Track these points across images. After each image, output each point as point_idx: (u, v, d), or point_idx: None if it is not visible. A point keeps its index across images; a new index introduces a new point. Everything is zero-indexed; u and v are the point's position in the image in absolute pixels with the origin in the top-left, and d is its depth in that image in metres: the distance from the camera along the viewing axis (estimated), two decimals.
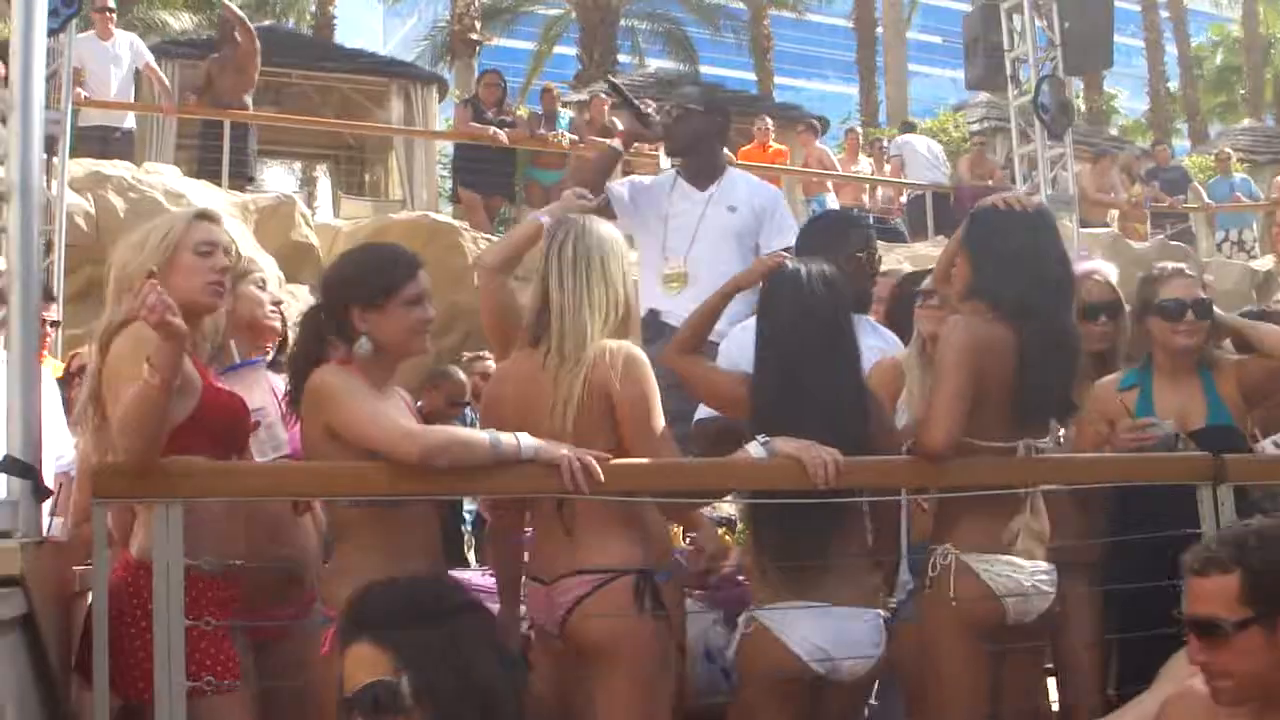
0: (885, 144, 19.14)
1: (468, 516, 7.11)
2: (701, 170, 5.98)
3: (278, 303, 4.57)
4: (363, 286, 3.76)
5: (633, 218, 5.84)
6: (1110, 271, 5.16)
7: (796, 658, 3.90)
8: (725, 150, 6.31)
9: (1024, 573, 4.05)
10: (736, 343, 4.65)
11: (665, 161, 6.27)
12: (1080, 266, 4.80)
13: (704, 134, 5.99)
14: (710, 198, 5.89)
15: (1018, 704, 4.14)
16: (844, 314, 4.23)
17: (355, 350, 3.70)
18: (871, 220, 8.13)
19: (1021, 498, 4.15)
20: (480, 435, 3.61)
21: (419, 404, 5.16)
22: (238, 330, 4.31)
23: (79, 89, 11.87)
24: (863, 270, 5.09)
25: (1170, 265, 4.97)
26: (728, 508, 4.92)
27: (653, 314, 5.73)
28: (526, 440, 3.61)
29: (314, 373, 3.66)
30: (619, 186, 5.97)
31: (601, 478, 3.59)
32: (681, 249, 5.77)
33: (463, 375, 7.83)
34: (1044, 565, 4.12)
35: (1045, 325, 4.06)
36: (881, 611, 4.06)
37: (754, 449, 3.82)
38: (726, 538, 4.75)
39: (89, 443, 3.69)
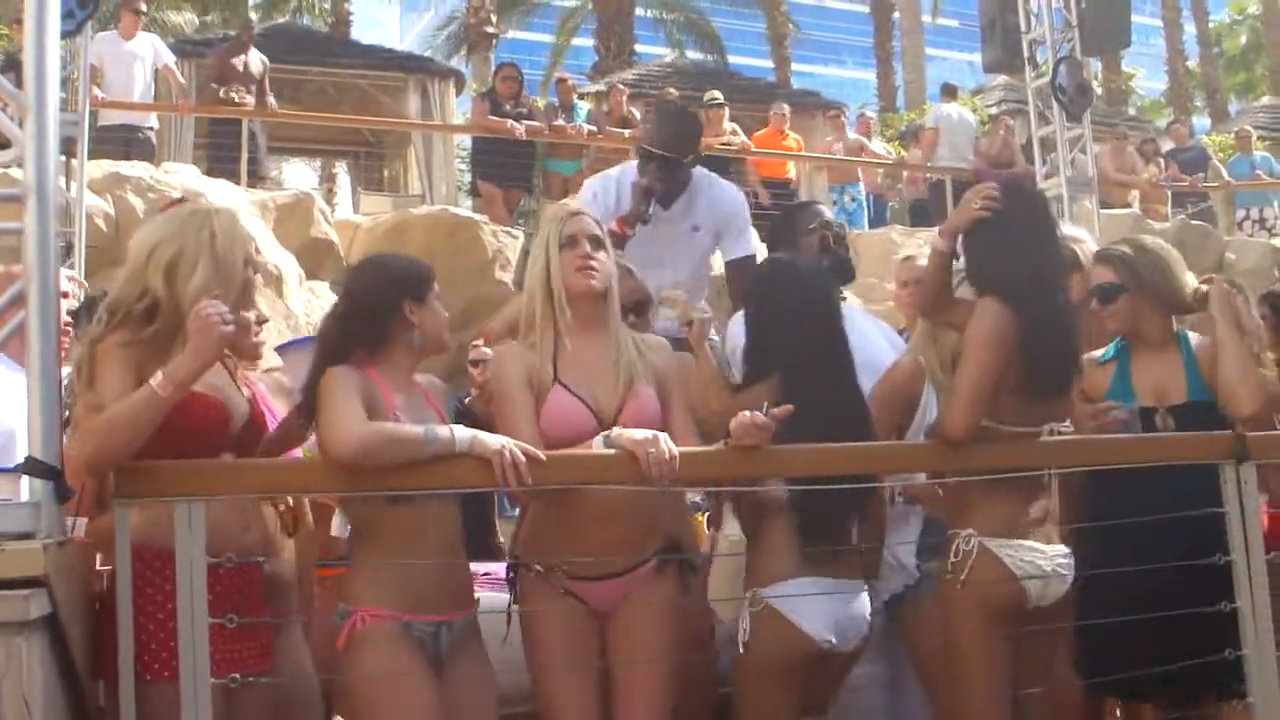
0: (918, 123, 19.03)
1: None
2: (671, 189, 5.71)
3: (263, 322, 4.58)
4: (412, 281, 3.87)
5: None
6: (1085, 237, 5.15)
7: (808, 637, 3.98)
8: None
9: (1045, 557, 4.08)
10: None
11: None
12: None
13: (687, 141, 5.76)
14: (672, 219, 5.72)
15: (1036, 685, 4.15)
16: (835, 305, 4.34)
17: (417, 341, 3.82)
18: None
19: (1043, 481, 4.17)
20: (414, 431, 3.56)
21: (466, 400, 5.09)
22: None
23: (96, 89, 11.91)
24: (826, 242, 5.19)
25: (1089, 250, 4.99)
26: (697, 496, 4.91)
27: None
28: (461, 433, 3.61)
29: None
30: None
31: (529, 476, 3.57)
32: (647, 270, 5.33)
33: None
34: (1063, 549, 4.15)
35: (1040, 306, 4.05)
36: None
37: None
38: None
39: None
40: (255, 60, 14.17)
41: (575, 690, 3.83)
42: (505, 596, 4.50)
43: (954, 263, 4.27)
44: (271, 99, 14.40)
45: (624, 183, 5.71)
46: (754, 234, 5.96)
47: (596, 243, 4.05)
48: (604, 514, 3.83)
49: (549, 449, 3.73)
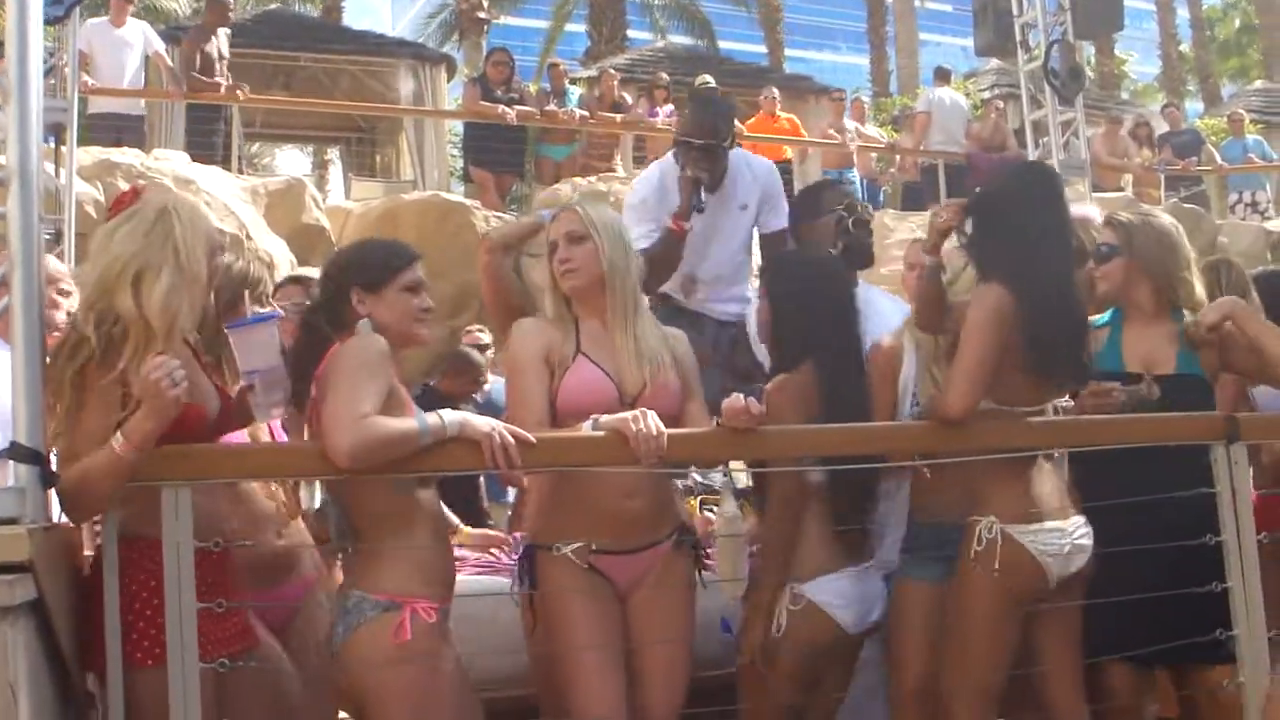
0: (911, 108, 19.03)
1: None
2: (715, 175, 5.67)
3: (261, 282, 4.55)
4: (362, 269, 3.81)
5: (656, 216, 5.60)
6: (1095, 214, 5.14)
7: (840, 626, 4.11)
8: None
9: (1065, 535, 4.09)
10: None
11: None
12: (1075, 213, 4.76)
13: (725, 160, 5.73)
14: (722, 201, 5.71)
15: (1061, 659, 4.19)
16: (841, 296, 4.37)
17: (358, 330, 3.71)
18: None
19: (1054, 459, 4.22)
20: (408, 426, 3.53)
21: (433, 382, 5.09)
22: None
23: (86, 76, 11.88)
24: (846, 226, 5.21)
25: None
26: (744, 478, 4.91)
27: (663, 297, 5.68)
28: (451, 417, 3.60)
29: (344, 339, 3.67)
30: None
31: (518, 458, 3.58)
32: (698, 255, 5.63)
33: (478, 356, 7.88)
34: (1080, 519, 4.15)
35: (1044, 286, 4.04)
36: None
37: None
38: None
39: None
40: (223, 39, 14.07)
41: (604, 669, 3.83)
42: (500, 580, 4.50)
43: (942, 275, 4.30)
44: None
45: (668, 177, 5.69)
46: (785, 205, 5.95)
47: (572, 238, 4.09)
48: (624, 490, 3.87)
49: (570, 420, 3.81)
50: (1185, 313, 4.67)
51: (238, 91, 13.70)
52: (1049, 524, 4.07)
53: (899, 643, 4.33)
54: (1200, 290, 4.72)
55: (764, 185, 5.89)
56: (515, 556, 4.41)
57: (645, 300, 4.24)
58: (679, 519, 4.12)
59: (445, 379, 7.67)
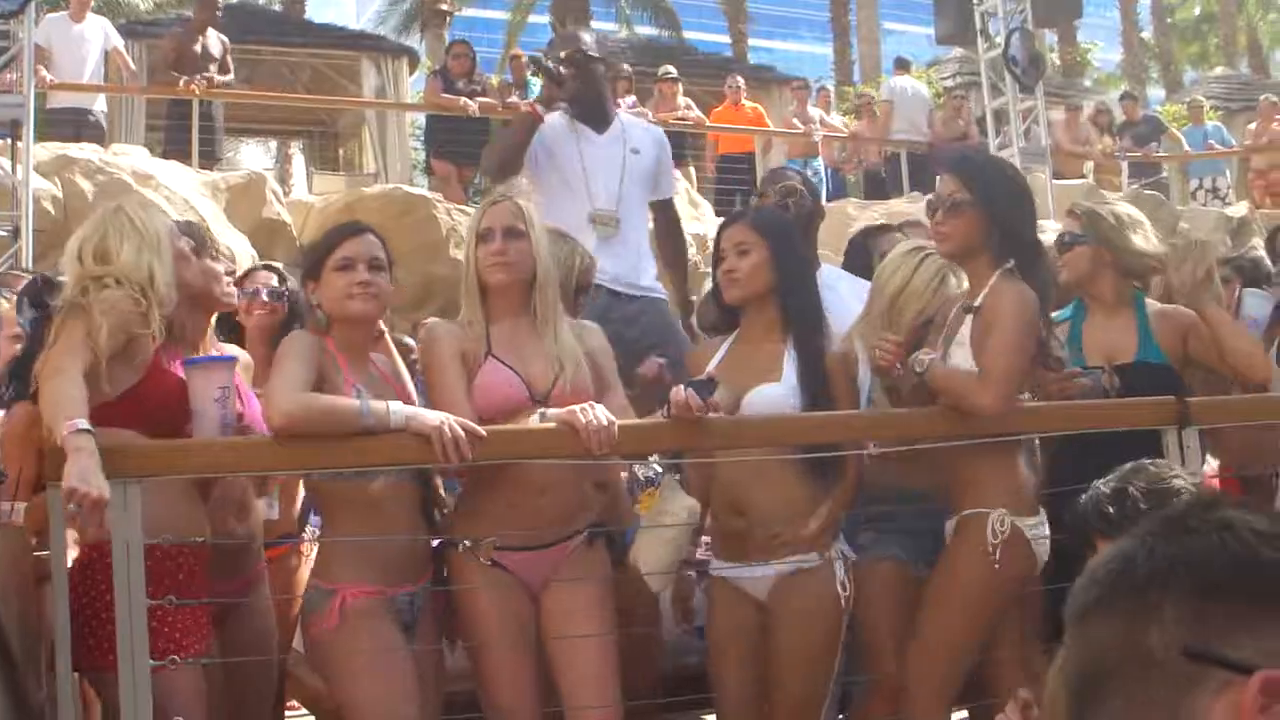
0: (866, 95, 19.06)
1: None
2: (600, 115, 5.91)
3: (231, 272, 4.54)
4: (307, 261, 3.90)
5: (544, 169, 5.77)
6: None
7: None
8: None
9: (1046, 525, 4.11)
10: None
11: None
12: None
13: (602, 78, 6.01)
14: (616, 141, 5.86)
15: (1016, 647, 4.20)
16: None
17: (315, 324, 3.75)
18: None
19: (1021, 449, 4.22)
20: (348, 403, 3.56)
21: None
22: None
23: (43, 70, 11.79)
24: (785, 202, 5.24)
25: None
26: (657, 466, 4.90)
27: None
28: (398, 408, 3.60)
29: None
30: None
31: (469, 452, 3.57)
32: (610, 193, 5.72)
33: (411, 340, 7.83)
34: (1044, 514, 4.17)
35: (1047, 283, 4.11)
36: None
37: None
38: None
39: None
40: (215, 41, 14.00)
41: (511, 662, 3.83)
42: None
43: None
44: (230, 78, 14.22)
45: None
46: (673, 177, 6.28)
47: (510, 233, 4.00)
48: (534, 487, 3.84)
49: (481, 422, 3.74)
50: (1148, 301, 4.72)
51: (193, 87, 13.58)
52: (1039, 516, 4.11)
53: (874, 627, 4.27)
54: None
55: (658, 140, 6.12)
56: None
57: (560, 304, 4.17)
58: (594, 514, 4.08)
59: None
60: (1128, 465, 3.19)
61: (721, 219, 5.84)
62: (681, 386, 3.80)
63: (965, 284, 4.27)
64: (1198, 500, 1.36)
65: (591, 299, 5.00)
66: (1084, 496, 3.17)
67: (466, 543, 3.88)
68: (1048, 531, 4.09)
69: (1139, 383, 4.54)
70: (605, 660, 3.90)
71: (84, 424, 3.19)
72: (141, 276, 3.59)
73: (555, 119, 5.78)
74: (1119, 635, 1.15)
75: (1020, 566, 4.05)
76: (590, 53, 5.93)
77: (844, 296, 4.90)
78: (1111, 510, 3.03)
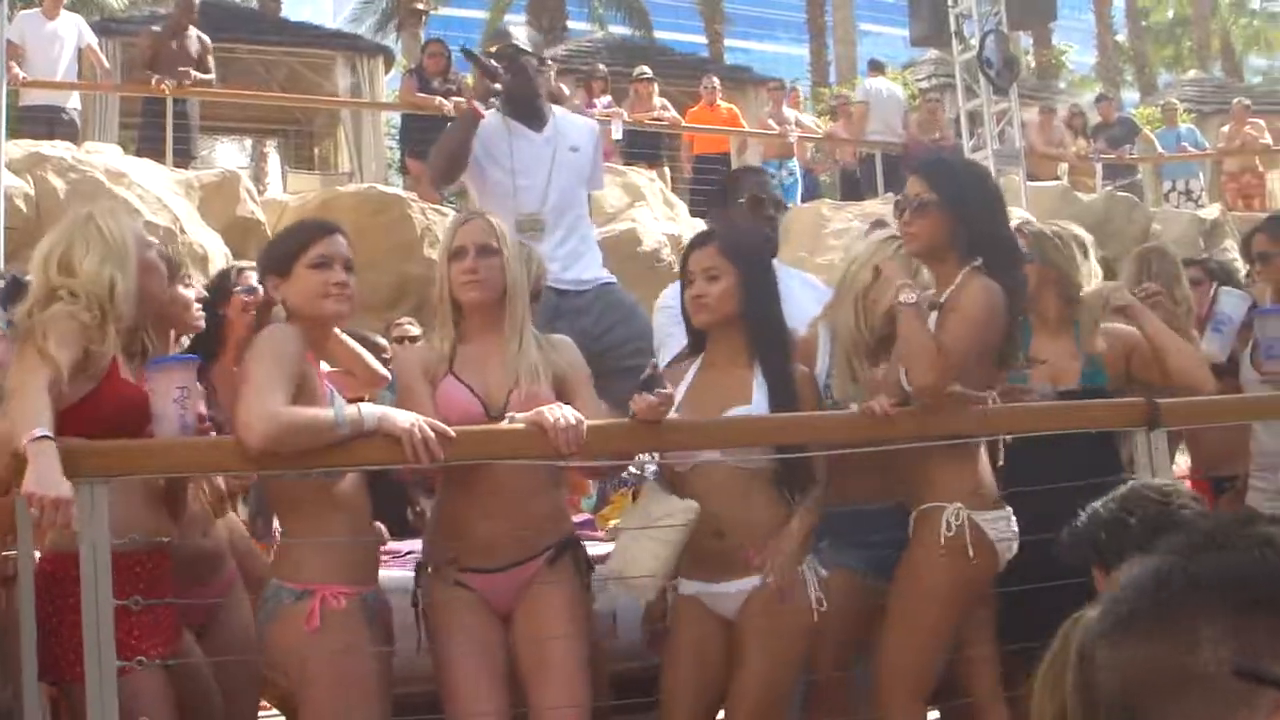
0: (846, 96, 19.09)
1: None
2: (533, 111, 5.83)
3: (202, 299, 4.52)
4: (273, 255, 3.84)
5: (480, 169, 5.67)
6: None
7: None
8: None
9: (1011, 521, 4.14)
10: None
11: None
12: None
13: (535, 73, 5.90)
14: (550, 139, 5.78)
15: (983, 647, 4.23)
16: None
17: (272, 320, 3.72)
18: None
19: (980, 447, 4.25)
20: (323, 415, 3.54)
21: None
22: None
23: (16, 67, 11.73)
24: (752, 214, 5.25)
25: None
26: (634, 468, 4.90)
27: None
28: (369, 410, 3.60)
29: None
30: None
31: (440, 452, 3.57)
32: (537, 193, 5.62)
33: (382, 339, 7.81)
34: (1009, 511, 4.18)
35: (1019, 284, 4.13)
36: None
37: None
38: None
39: None
40: (194, 41, 13.94)
41: (475, 680, 3.79)
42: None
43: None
44: (211, 78, 14.15)
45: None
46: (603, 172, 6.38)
47: (484, 251, 3.99)
48: (483, 511, 3.83)
49: None
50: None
51: (163, 86, 13.51)
52: (1002, 510, 4.13)
53: (818, 632, 4.22)
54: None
55: (592, 134, 6.15)
56: None
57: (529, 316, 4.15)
58: (564, 533, 4.03)
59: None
60: (1122, 490, 3.13)
61: (696, 219, 5.86)
62: (645, 394, 3.79)
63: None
64: (1232, 517, 1.34)
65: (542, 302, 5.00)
66: (1079, 523, 3.12)
67: (430, 564, 3.90)
68: (1015, 527, 4.11)
69: None
70: (573, 677, 3.84)
71: (44, 431, 3.17)
72: (101, 289, 3.56)
73: (490, 117, 5.68)
74: (1161, 655, 1.14)
75: (983, 560, 4.05)
76: (521, 46, 5.83)
77: (795, 291, 4.91)
78: (1108, 540, 2.97)
